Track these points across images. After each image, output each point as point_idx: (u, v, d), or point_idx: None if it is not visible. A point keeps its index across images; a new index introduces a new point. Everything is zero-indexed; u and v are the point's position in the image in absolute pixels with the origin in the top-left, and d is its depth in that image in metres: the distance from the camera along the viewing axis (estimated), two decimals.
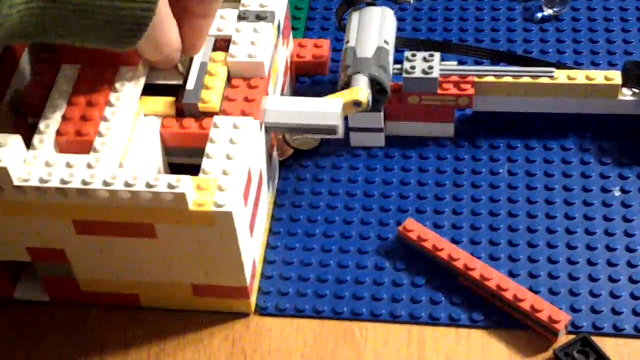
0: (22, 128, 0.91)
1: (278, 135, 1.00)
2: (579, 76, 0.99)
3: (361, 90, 0.94)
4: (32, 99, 0.90)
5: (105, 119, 0.86)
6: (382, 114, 1.01)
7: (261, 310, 0.92)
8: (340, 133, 0.93)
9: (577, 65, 1.10)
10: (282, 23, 1.00)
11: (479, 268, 0.90)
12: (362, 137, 1.03)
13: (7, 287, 0.93)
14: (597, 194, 0.98)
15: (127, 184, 0.80)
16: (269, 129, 0.94)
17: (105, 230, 0.84)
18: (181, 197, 0.80)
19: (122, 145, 0.86)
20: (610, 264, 0.93)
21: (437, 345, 0.89)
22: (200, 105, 0.89)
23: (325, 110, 0.93)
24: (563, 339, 0.88)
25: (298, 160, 1.03)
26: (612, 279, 0.91)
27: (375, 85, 0.97)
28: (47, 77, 0.91)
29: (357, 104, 0.94)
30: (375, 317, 0.91)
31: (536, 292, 0.90)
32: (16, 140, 0.82)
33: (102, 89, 0.88)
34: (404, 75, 0.99)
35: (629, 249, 0.94)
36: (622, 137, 1.03)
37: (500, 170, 1.01)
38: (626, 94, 1.00)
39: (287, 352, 0.89)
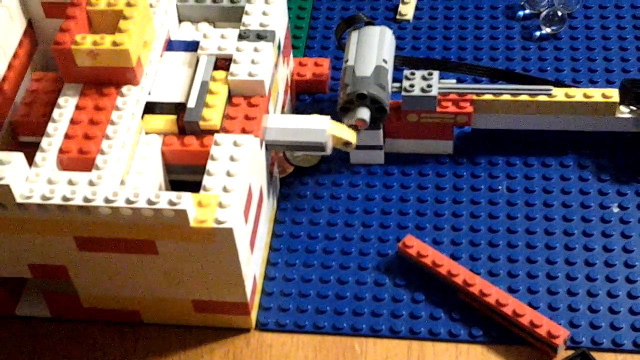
0: (24, 147, 0.92)
1: (279, 153, 1.01)
2: (577, 94, 1.00)
3: (350, 133, 0.95)
4: (27, 117, 0.91)
5: (107, 137, 0.87)
6: (381, 131, 1.01)
7: (262, 326, 0.92)
8: (329, 150, 0.94)
9: (575, 83, 1.10)
10: (283, 42, 1.01)
11: (479, 284, 0.91)
12: (362, 154, 1.03)
13: (9, 304, 0.94)
14: (595, 210, 0.99)
15: (128, 201, 0.81)
16: (269, 146, 0.95)
17: (107, 246, 0.85)
18: (182, 213, 0.81)
19: (124, 163, 0.87)
20: (609, 279, 0.93)
21: None
22: (201, 123, 0.90)
23: (313, 127, 0.94)
24: (562, 354, 0.88)
25: (298, 178, 1.04)
26: (611, 295, 0.92)
27: (374, 103, 0.98)
28: (44, 96, 0.92)
29: (346, 144, 0.95)
30: (375, 333, 0.91)
31: (535, 308, 0.91)
32: (19, 157, 0.83)
33: (104, 107, 0.89)
34: (403, 93, 1.00)
35: (627, 265, 0.94)
36: (620, 154, 1.03)
37: (499, 187, 1.02)
38: (624, 112, 1.01)
39: None
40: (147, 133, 0.91)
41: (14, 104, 0.93)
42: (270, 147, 0.95)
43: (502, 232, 0.97)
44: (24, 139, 0.92)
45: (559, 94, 1.00)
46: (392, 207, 1.00)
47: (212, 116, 0.90)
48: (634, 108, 1.01)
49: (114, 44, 0.87)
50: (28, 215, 0.83)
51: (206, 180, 0.85)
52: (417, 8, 1.21)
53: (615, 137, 1.04)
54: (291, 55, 1.09)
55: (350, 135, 0.96)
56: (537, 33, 1.16)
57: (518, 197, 1.00)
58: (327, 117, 0.95)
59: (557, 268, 0.94)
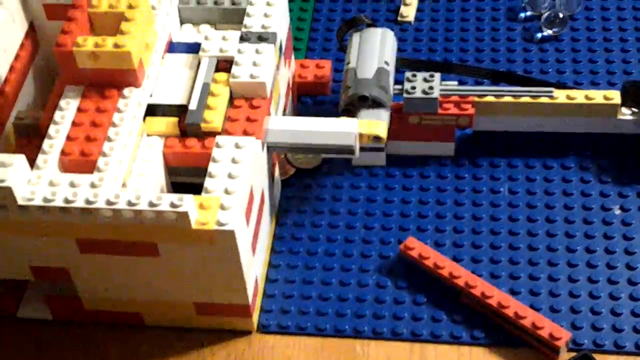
0: (25, 148, 0.92)
1: (280, 155, 1.01)
2: (579, 96, 1.00)
3: (381, 125, 0.95)
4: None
5: (109, 139, 0.87)
6: None
7: (263, 329, 0.92)
8: (357, 153, 0.94)
9: (577, 85, 1.10)
10: (284, 44, 1.01)
11: (480, 286, 0.91)
12: (364, 156, 1.03)
13: (11, 306, 0.94)
14: (597, 212, 0.99)
15: (130, 204, 0.81)
16: (273, 148, 0.95)
17: (109, 249, 0.85)
18: (184, 216, 0.81)
19: (126, 165, 0.87)
20: (611, 281, 0.93)
21: None
22: (202, 125, 0.90)
23: (341, 130, 0.93)
24: (564, 356, 0.88)
25: (300, 180, 1.04)
26: (613, 297, 0.92)
27: (376, 105, 0.97)
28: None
29: (376, 139, 0.95)
30: (377, 335, 0.91)
31: (537, 310, 0.91)
32: (20, 160, 0.83)
33: (105, 109, 0.89)
34: (405, 95, 1.00)
35: (629, 267, 0.94)
36: (621, 155, 1.03)
37: (501, 189, 1.01)
38: (625, 113, 1.01)
39: None
40: (148, 135, 0.91)
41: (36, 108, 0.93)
42: (286, 150, 0.95)
43: (503, 234, 0.97)
44: None
45: (561, 95, 1.00)
46: (393, 209, 1.00)
47: (214, 118, 0.90)
48: (635, 110, 1.01)
49: (116, 45, 0.87)
50: (30, 217, 0.83)
51: (208, 183, 0.85)
52: (418, 10, 1.21)
53: (616, 138, 1.04)
54: (293, 57, 1.09)
55: (381, 129, 0.95)
56: (539, 35, 1.16)
57: (520, 198, 1.00)
58: (355, 119, 0.95)
59: (559, 270, 0.94)
